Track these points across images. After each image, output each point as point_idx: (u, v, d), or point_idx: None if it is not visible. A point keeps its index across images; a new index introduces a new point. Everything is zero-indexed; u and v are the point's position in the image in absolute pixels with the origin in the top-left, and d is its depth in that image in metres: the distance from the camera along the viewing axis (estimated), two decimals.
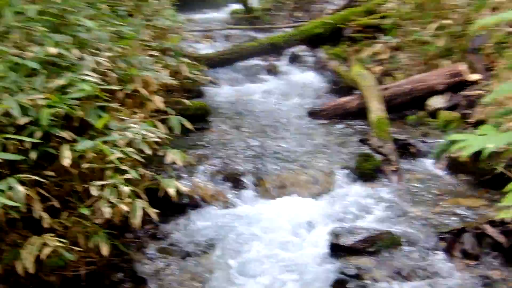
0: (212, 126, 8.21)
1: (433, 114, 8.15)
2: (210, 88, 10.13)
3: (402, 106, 8.54)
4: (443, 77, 8.45)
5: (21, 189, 3.64)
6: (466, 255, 4.93)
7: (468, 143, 1.82)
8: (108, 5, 7.09)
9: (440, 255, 5.00)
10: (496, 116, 6.47)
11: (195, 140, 7.53)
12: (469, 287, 4.59)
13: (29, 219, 3.96)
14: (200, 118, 8.12)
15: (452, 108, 8.06)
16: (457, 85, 8.36)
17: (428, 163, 6.92)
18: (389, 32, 10.59)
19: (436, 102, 8.30)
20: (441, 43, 8.92)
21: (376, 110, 7.81)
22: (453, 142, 6.09)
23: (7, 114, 4.12)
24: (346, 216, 5.72)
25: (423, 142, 7.30)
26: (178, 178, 5.92)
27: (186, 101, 7.32)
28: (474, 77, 8.34)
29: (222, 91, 10.22)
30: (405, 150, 7.12)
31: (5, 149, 3.94)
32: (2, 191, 3.58)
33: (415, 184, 6.37)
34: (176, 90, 8.11)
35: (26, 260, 3.72)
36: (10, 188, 3.63)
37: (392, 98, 8.47)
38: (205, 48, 11.87)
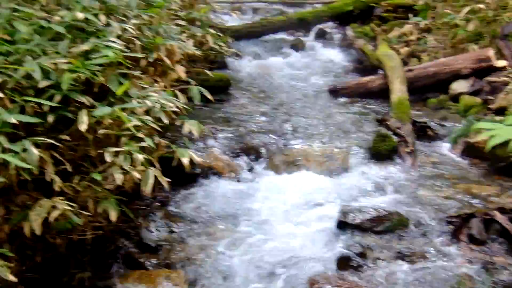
0: (232, 98, 8.26)
1: (455, 98, 8.14)
2: (233, 60, 10.16)
3: (425, 89, 8.54)
4: (469, 61, 8.42)
5: (35, 151, 3.67)
6: (472, 240, 4.94)
7: (495, 132, 1.85)
8: None
9: (446, 238, 5.02)
10: None
11: (214, 111, 7.60)
12: (472, 271, 4.62)
13: (40, 182, 3.99)
14: (221, 89, 8.18)
15: (475, 93, 8.03)
16: (482, 71, 8.32)
17: (444, 147, 6.94)
18: (420, 13, 10.53)
19: (459, 86, 8.28)
20: (471, 27, 8.87)
21: (398, 91, 7.81)
22: (472, 130, 6.14)
23: (28, 76, 4.17)
24: (357, 194, 5.76)
25: (442, 125, 7.33)
26: (193, 148, 5.99)
27: (208, 72, 7.36)
28: (501, 63, 8.29)
29: (246, 63, 10.25)
30: (423, 133, 7.13)
31: (23, 111, 3.98)
32: (16, 152, 3.63)
33: (429, 167, 6.39)
34: (199, 60, 8.13)
35: (34, 222, 3.76)
36: (25, 150, 3.68)
37: (416, 80, 8.47)
38: (233, 20, 11.85)
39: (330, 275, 4.61)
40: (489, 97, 7.67)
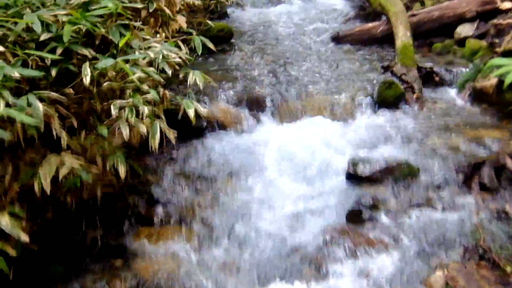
0: (234, 48, 8.12)
1: (461, 42, 8.01)
2: (235, 9, 10.02)
3: (430, 33, 8.42)
4: (474, 4, 8.27)
5: (40, 106, 3.60)
6: (483, 188, 4.90)
7: (509, 69, 1.75)
8: None
9: (458, 187, 4.98)
10: None
11: (217, 62, 7.47)
12: (485, 220, 4.58)
13: (47, 138, 3.92)
14: (223, 39, 8.04)
15: (480, 36, 7.91)
16: (487, 13, 8.18)
17: (451, 93, 6.85)
18: None
19: (464, 30, 8.14)
20: None
21: (402, 36, 7.68)
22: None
23: (28, 29, 4.09)
24: (365, 144, 5.67)
25: (448, 70, 7.18)
26: (198, 100, 5.88)
27: (210, 22, 7.24)
28: (506, 5, 8.14)
29: (247, 13, 10.12)
30: (429, 78, 7.02)
31: (25, 65, 3.89)
32: (22, 107, 3.55)
33: (437, 114, 6.31)
34: (200, 11, 8.02)
35: (43, 179, 3.71)
36: (29, 105, 3.60)
37: (420, 24, 8.34)
38: None
39: (343, 228, 4.60)
40: (496, 40, 7.53)
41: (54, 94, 3.87)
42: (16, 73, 3.62)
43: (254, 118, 6.16)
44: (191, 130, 5.57)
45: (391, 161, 5.18)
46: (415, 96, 6.47)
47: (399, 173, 5.07)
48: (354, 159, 5.24)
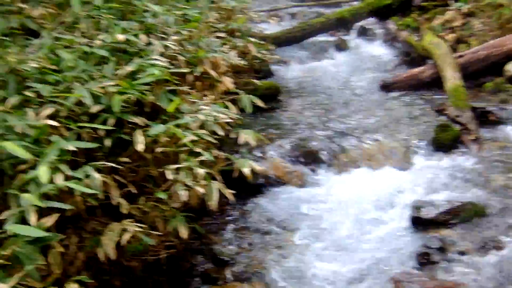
0: (283, 105, 8.12)
1: None
2: (279, 67, 10.06)
3: (479, 73, 8.31)
4: None
5: (97, 176, 3.63)
6: None
7: None
8: None
9: None
10: None
11: (267, 119, 7.46)
12: None
13: (107, 206, 3.96)
14: (271, 97, 8.02)
15: None
16: None
17: (509, 130, 6.68)
18: None
19: None
20: None
21: (452, 78, 7.59)
22: None
23: (79, 103, 4.13)
24: (427, 188, 5.56)
25: (503, 109, 7.08)
26: (252, 158, 5.86)
27: (256, 81, 7.26)
28: None
29: (291, 69, 10.13)
30: (484, 118, 6.89)
31: (79, 138, 3.94)
32: (80, 179, 3.58)
33: (497, 152, 6.17)
34: (245, 71, 8.05)
35: (107, 247, 3.71)
36: (87, 176, 3.63)
37: (467, 65, 8.24)
38: (272, 27, 11.78)
39: (413, 273, 4.43)
40: None
41: (109, 164, 3.88)
42: (71, 147, 3.66)
43: (310, 172, 6.10)
44: (248, 188, 5.56)
45: (455, 202, 5.06)
46: (472, 137, 6.34)
47: (465, 214, 4.96)
48: (417, 203, 5.15)
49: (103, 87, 4.26)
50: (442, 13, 10.44)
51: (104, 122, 4.11)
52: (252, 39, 8.20)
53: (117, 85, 4.30)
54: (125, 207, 3.90)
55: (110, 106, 4.15)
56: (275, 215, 5.39)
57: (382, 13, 11.89)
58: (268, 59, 8.68)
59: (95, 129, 4.03)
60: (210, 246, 5.00)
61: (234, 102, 5.75)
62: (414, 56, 9.58)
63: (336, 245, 4.96)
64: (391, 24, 11.13)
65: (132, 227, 3.81)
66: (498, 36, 8.79)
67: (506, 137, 6.55)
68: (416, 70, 8.69)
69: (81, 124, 3.97)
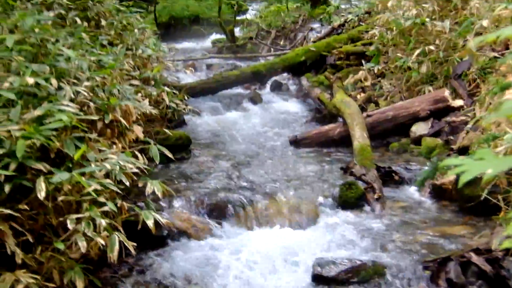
0: (193, 155, 8.11)
1: (417, 140, 8.13)
2: (192, 117, 10.08)
3: (386, 133, 8.54)
4: (426, 103, 8.44)
5: None
6: (451, 284, 4.82)
7: (465, 168, 1.74)
8: (89, 34, 7.05)
9: (425, 284, 4.90)
10: (480, 142, 6.44)
11: (176, 170, 7.43)
12: None
13: (2, 255, 3.83)
14: (181, 147, 8.01)
15: (435, 134, 8.04)
16: (440, 111, 8.34)
17: (411, 191, 6.87)
18: (372, 59, 10.62)
19: (419, 128, 8.29)
20: (424, 69, 8.93)
21: (359, 137, 7.76)
22: (439, 171, 6.10)
23: None
24: (330, 246, 5.60)
25: (407, 169, 7.25)
26: (158, 209, 5.80)
27: (167, 131, 7.26)
28: (458, 103, 8.32)
29: (204, 120, 10.18)
30: (389, 178, 7.05)
31: None
32: None
33: (399, 212, 6.28)
34: (157, 120, 8.06)
35: None
36: None
37: (375, 125, 8.46)
38: (187, 77, 11.87)
39: None
40: (450, 138, 7.66)
41: (7, 211, 3.77)
42: None
43: (216, 225, 6.06)
44: (152, 240, 5.45)
45: (356, 261, 5.10)
46: (376, 196, 6.47)
47: (365, 273, 4.99)
48: (319, 261, 5.15)
49: (7, 131, 4.17)
50: (354, 73, 10.73)
51: (5, 167, 4.01)
52: (167, 88, 8.23)
53: (22, 129, 4.21)
54: (20, 256, 3.79)
55: (13, 151, 4.06)
56: (177, 269, 5.27)
57: (296, 69, 12.18)
58: (181, 108, 8.71)
59: None
60: None
61: (143, 151, 5.73)
62: (325, 113, 9.79)
63: None
64: (305, 81, 11.36)
65: (26, 278, 3.70)
66: (406, 97, 9.10)
67: (408, 197, 6.71)
68: (326, 127, 8.87)
69: None
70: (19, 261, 3.80)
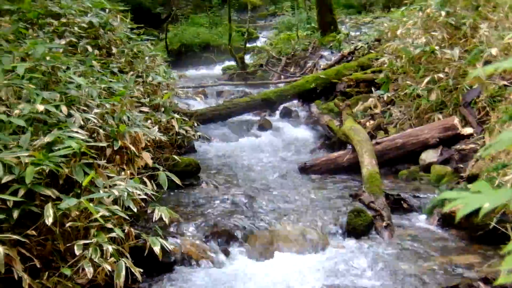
0: (202, 182, 8.13)
1: (426, 168, 8.13)
2: (202, 143, 10.14)
3: (395, 161, 8.55)
4: (436, 131, 8.44)
5: (0, 249, 3.55)
6: None
7: (462, 201, 1.75)
8: (100, 62, 7.12)
9: None
10: (489, 170, 6.43)
11: (184, 196, 7.45)
12: None
13: (9, 280, 3.85)
14: (190, 174, 8.04)
15: (445, 162, 8.03)
16: (450, 139, 8.35)
17: (420, 219, 6.85)
18: (382, 86, 10.65)
19: (428, 156, 8.29)
20: (434, 97, 8.94)
21: (368, 164, 7.77)
22: (446, 200, 6.11)
23: None
24: (338, 274, 5.57)
25: (415, 197, 7.24)
26: (166, 235, 5.80)
27: (176, 157, 7.28)
28: (467, 130, 8.33)
29: (214, 146, 10.24)
30: (397, 205, 7.05)
31: None
32: None
33: (407, 240, 6.26)
34: (167, 146, 8.11)
35: None
36: None
37: (385, 152, 8.46)
38: (198, 104, 11.93)
39: None
40: (460, 165, 7.65)
41: (15, 237, 3.80)
42: None
43: (223, 252, 6.04)
44: (159, 266, 5.45)
45: None
46: (384, 223, 6.46)
47: None
48: None
49: (17, 157, 4.21)
50: (364, 100, 10.76)
51: (14, 193, 4.04)
52: (176, 115, 8.28)
53: (31, 155, 4.25)
54: (27, 281, 3.80)
55: (22, 177, 4.10)
56: None
57: (306, 96, 12.23)
58: (191, 135, 8.75)
59: (3, 200, 3.95)
60: None
61: (152, 177, 5.76)
62: (334, 140, 9.81)
63: None
64: (314, 108, 11.40)
65: None
66: (415, 125, 9.11)
67: (416, 225, 6.70)
68: (335, 154, 8.89)
69: None
70: (26, 286, 3.81)
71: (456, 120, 8.41)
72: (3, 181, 4.03)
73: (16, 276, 3.77)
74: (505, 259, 1.78)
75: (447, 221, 6.49)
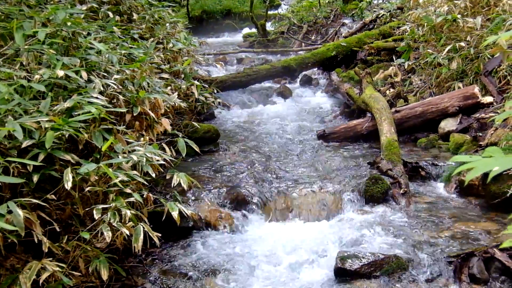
0: (221, 148, 8.18)
1: (445, 136, 8.12)
2: (221, 110, 10.16)
3: (414, 129, 8.54)
4: (456, 99, 8.40)
5: (20, 213, 3.59)
6: (474, 279, 4.83)
7: (473, 165, 1.77)
8: (121, 28, 7.13)
9: (448, 279, 4.91)
10: (508, 139, 6.41)
11: (204, 163, 7.50)
12: None
13: (29, 243, 3.91)
14: (209, 140, 8.09)
15: (464, 130, 8.01)
16: (469, 108, 8.32)
17: (438, 186, 6.87)
18: (403, 54, 10.59)
19: (448, 124, 8.27)
20: (454, 66, 8.88)
21: (387, 132, 7.77)
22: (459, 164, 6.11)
23: (10, 136, 4.10)
24: (353, 240, 5.62)
25: (434, 165, 7.24)
26: (184, 201, 5.88)
27: (196, 124, 7.31)
28: (487, 99, 8.28)
29: (233, 113, 10.27)
30: (415, 173, 7.06)
31: (7, 172, 3.89)
32: (2, 215, 3.54)
33: (424, 207, 6.28)
34: (186, 113, 8.14)
35: (24, 285, 3.67)
36: (10, 211, 3.59)
37: (404, 120, 8.45)
38: (218, 71, 11.93)
39: None
40: (479, 134, 7.62)
41: (35, 201, 3.85)
42: None
43: (241, 217, 6.14)
44: (177, 231, 5.54)
45: (380, 255, 5.11)
46: (401, 191, 6.48)
47: (388, 267, 5.00)
48: (342, 254, 5.16)
49: (37, 122, 4.24)
50: (384, 68, 10.72)
51: (34, 157, 4.07)
52: (196, 82, 8.28)
53: (51, 120, 4.27)
54: (46, 245, 3.86)
55: (42, 142, 4.12)
56: (202, 259, 5.35)
57: (327, 64, 12.19)
58: (211, 102, 8.77)
59: (24, 164, 4.00)
60: None
61: (171, 143, 5.79)
62: (354, 108, 9.79)
63: None
64: (335, 76, 11.36)
65: (52, 266, 3.77)
66: (435, 93, 9.07)
67: (434, 192, 6.71)
68: (354, 122, 8.90)
69: (9, 159, 3.91)
70: (45, 249, 3.85)
71: (476, 89, 8.36)
72: (23, 145, 4.06)
73: (36, 240, 3.81)
74: (511, 224, 1.81)
75: (464, 188, 6.49)
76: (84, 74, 5.07)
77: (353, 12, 16.69)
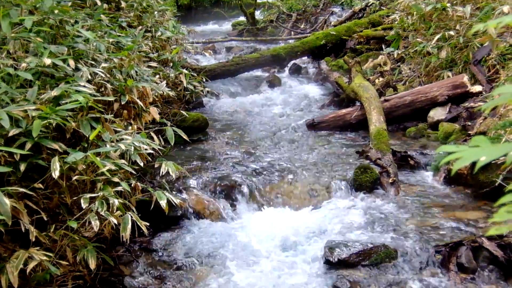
0: (209, 137, 8.17)
1: (434, 126, 8.13)
2: (210, 99, 10.14)
3: (403, 118, 8.54)
4: (445, 88, 8.41)
5: (7, 202, 3.57)
6: (462, 268, 4.84)
7: (460, 155, 1.75)
8: (109, 16, 7.09)
9: (436, 268, 4.92)
10: (496, 128, 6.42)
11: (192, 151, 7.49)
12: None
13: (17, 232, 3.89)
14: (198, 129, 8.08)
15: (453, 120, 8.02)
16: (459, 97, 8.33)
17: (426, 176, 6.87)
18: (392, 43, 10.60)
19: (437, 113, 8.27)
20: (443, 55, 8.89)
21: (376, 121, 7.77)
22: (447, 153, 6.12)
23: None
24: (342, 229, 5.62)
25: (422, 154, 7.26)
26: (172, 190, 5.87)
27: (184, 112, 7.29)
28: (476, 88, 8.29)
29: (222, 102, 10.25)
30: (404, 162, 7.06)
31: None
32: None
33: (413, 197, 6.29)
34: (175, 101, 8.11)
35: (10, 274, 3.65)
36: None
37: (393, 109, 8.45)
38: (207, 60, 11.91)
39: None
40: (468, 123, 7.63)
41: (22, 190, 3.83)
42: None
43: (229, 206, 6.15)
44: (165, 220, 5.53)
45: (368, 244, 5.12)
46: (390, 180, 6.48)
47: (377, 256, 5.01)
48: (330, 243, 5.17)
49: (24, 111, 4.21)
50: (374, 57, 10.72)
51: (21, 146, 4.05)
52: (185, 70, 8.25)
53: (38, 109, 4.25)
54: (34, 234, 3.84)
55: (29, 130, 4.10)
56: (190, 248, 5.36)
57: (316, 53, 12.19)
58: (199, 91, 8.75)
59: (11, 153, 3.97)
60: (120, 278, 4.89)
61: (159, 132, 5.77)
62: (343, 97, 9.78)
63: (247, 281, 4.94)
64: (324, 64, 11.37)
65: (39, 256, 3.76)
66: (425, 82, 9.07)
67: (423, 181, 6.72)
68: (343, 111, 8.88)
69: None
70: (33, 238, 3.84)
71: (465, 78, 8.37)
72: (10, 134, 4.03)
73: (23, 229, 3.80)
74: (498, 211, 1.80)
75: (453, 178, 6.50)
76: (71, 62, 5.03)
77: (343, 0, 16.69)
